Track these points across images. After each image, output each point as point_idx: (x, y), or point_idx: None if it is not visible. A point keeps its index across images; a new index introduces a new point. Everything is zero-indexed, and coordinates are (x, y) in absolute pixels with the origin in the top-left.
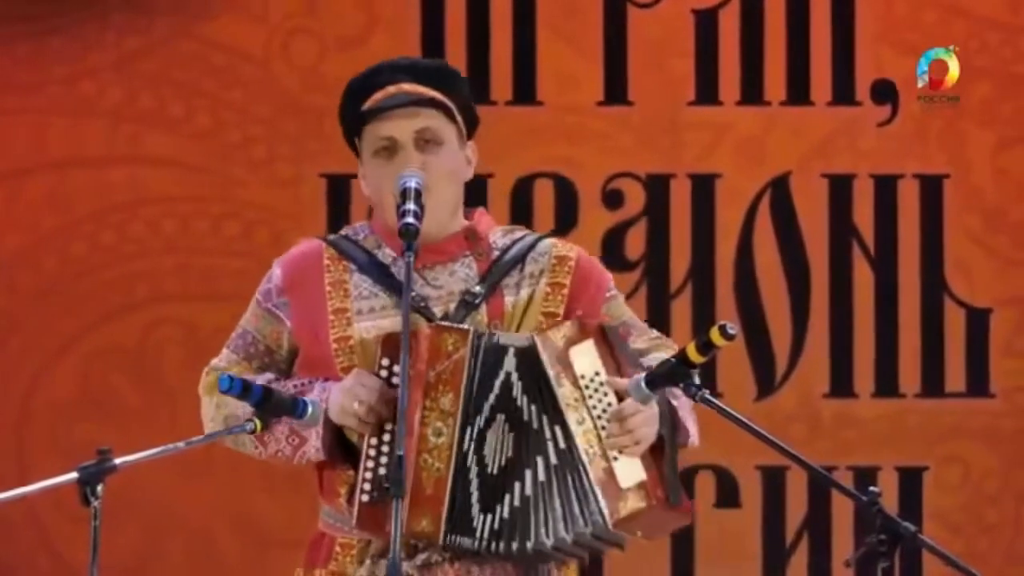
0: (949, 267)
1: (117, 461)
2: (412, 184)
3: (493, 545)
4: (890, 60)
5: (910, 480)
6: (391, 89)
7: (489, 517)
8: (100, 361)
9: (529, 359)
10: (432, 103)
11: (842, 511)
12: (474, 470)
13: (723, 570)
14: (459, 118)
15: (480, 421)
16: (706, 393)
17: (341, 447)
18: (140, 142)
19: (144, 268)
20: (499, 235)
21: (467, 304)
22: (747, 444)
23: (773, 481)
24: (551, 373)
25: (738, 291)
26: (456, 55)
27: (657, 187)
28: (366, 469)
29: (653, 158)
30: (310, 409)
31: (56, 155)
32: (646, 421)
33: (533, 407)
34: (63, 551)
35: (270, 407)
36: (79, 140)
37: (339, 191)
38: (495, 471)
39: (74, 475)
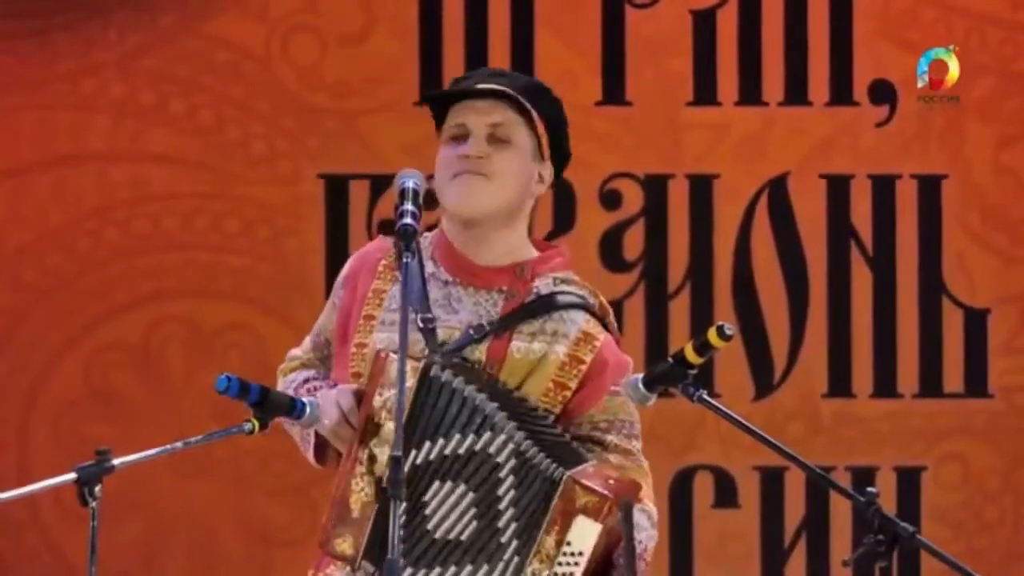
0: (947, 267)
1: (116, 462)
2: (410, 184)
3: None
4: (888, 59)
5: (908, 480)
6: (489, 82)
7: (408, 567)
8: (104, 358)
9: (543, 485)
10: (515, 106)
11: (840, 511)
12: (402, 507)
13: (721, 570)
14: (540, 132)
15: (419, 458)
16: (704, 394)
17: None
18: (142, 139)
19: (147, 265)
20: (550, 282)
21: (469, 337)
22: (745, 444)
23: (771, 481)
24: (548, 518)
25: (736, 291)
26: (454, 54)
27: (655, 187)
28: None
29: (651, 158)
30: (308, 410)
31: (59, 151)
32: None
33: (513, 524)
34: (65, 549)
35: (268, 407)
36: (82, 137)
37: (337, 191)
38: (439, 532)
39: (72, 475)
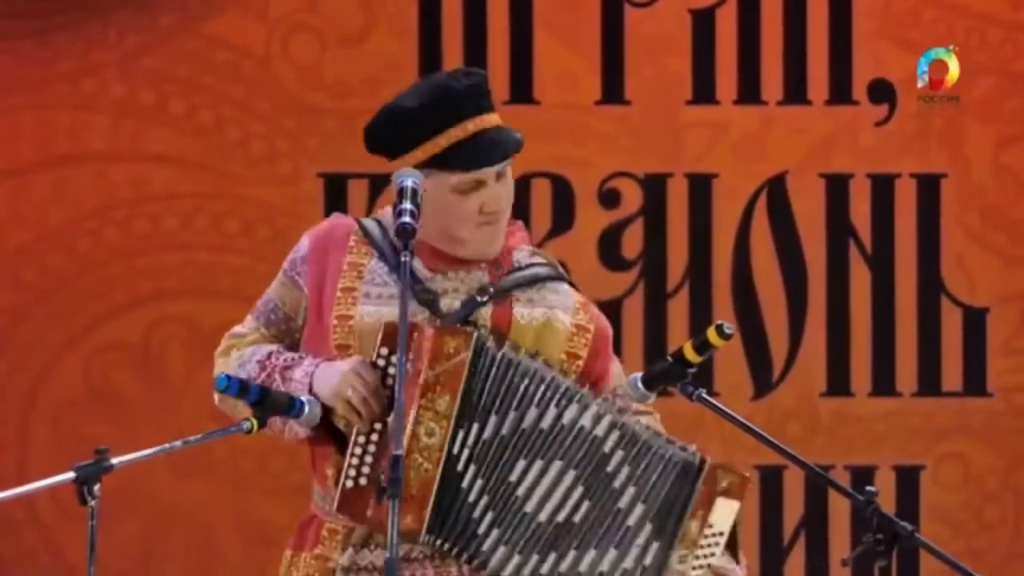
0: (946, 266)
1: (115, 461)
2: (409, 183)
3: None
4: (888, 59)
5: (907, 479)
6: (484, 120)
7: (515, 553)
8: (104, 358)
9: (670, 466)
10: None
11: (839, 510)
12: (479, 483)
13: None
14: None
15: (487, 432)
16: (703, 392)
17: (327, 427)
18: (142, 139)
19: (147, 265)
20: (525, 254)
21: (473, 301)
22: (744, 443)
23: (770, 480)
24: (693, 503)
25: (735, 290)
26: (453, 54)
27: (654, 186)
28: (353, 455)
29: (650, 157)
30: (307, 408)
31: (59, 151)
32: None
33: (639, 506)
34: (64, 549)
35: (267, 406)
36: (82, 137)
37: (337, 190)
38: (542, 514)
39: (71, 475)
